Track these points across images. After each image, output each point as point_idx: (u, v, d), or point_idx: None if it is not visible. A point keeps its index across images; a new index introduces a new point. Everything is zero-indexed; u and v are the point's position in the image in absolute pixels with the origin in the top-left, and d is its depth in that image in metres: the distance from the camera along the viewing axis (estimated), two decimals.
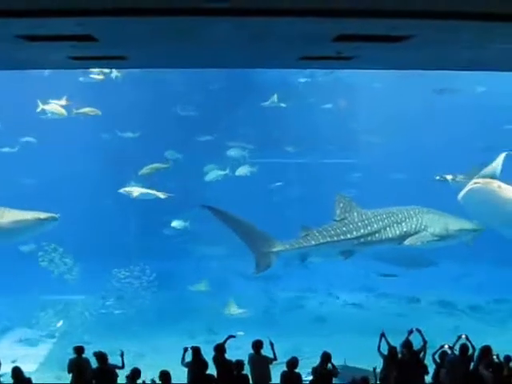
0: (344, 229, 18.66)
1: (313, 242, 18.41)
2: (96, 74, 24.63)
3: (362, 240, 18.75)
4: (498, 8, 8.06)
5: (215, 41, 10.19)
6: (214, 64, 16.22)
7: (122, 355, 11.06)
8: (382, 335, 11.64)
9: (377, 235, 18.66)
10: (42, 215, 18.37)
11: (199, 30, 9.43)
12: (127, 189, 21.96)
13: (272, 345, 11.21)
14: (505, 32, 9.22)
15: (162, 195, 21.37)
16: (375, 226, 18.74)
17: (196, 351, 11.10)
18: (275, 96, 25.40)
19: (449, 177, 17.32)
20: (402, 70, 16.91)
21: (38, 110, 23.74)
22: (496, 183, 14.80)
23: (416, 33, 9.35)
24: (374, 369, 10.96)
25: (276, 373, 10.97)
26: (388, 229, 18.90)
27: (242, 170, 25.52)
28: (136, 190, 21.81)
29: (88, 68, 21.76)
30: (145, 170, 24.06)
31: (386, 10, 8.10)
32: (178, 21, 8.69)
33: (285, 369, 10.65)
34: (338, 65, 13.59)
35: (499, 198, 14.78)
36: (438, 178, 17.50)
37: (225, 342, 11.27)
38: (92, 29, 9.16)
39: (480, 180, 14.69)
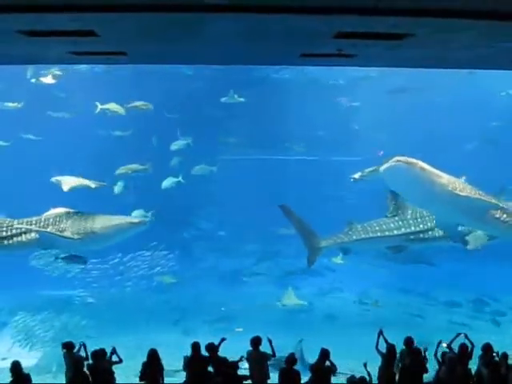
0: (392, 225, 19.04)
1: (354, 237, 19.13)
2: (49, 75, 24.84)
3: (412, 237, 19.12)
4: (500, 7, 8.08)
5: (215, 37, 10.19)
6: (214, 61, 16.26)
7: (114, 351, 11.06)
8: (380, 333, 11.66)
9: (430, 233, 19.01)
10: (135, 219, 18.50)
11: (199, 26, 9.43)
12: (58, 178, 21.51)
13: (270, 341, 11.22)
14: (506, 31, 9.23)
15: (93, 185, 20.81)
16: (429, 224, 19.02)
17: (195, 347, 11.11)
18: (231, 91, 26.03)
19: (356, 175, 17.72)
20: (402, 67, 16.96)
21: (97, 110, 23.98)
22: (418, 163, 14.96)
23: (417, 31, 9.36)
24: (365, 364, 10.90)
25: None
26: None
27: (199, 170, 25.98)
28: (67, 180, 21.17)
29: (89, 63, 21.80)
30: (121, 170, 24.06)
31: (387, 7, 8.11)
32: (178, 17, 8.71)
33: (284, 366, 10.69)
34: (339, 62, 13.57)
35: (418, 177, 14.95)
36: (352, 180, 17.79)
37: (219, 345, 11.24)
38: (92, 24, 9.16)
39: (402, 158, 14.85)
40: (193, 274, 26.28)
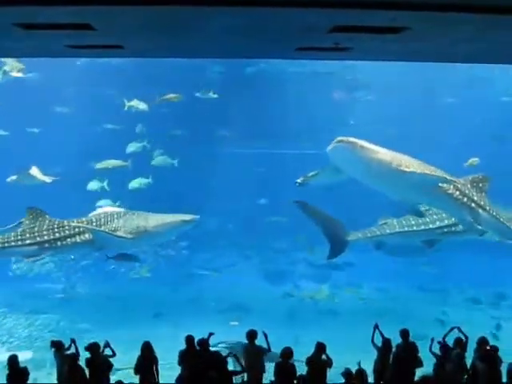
0: (420, 221, 18.92)
1: (387, 231, 18.92)
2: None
3: (446, 230, 19.00)
4: (499, 0, 8.07)
5: (212, 31, 10.16)
6: (210, 54, 16.23)
7: (108, 345, 11.06)
8: (376, 327, 11.71)
9: (460, 226, 18.71)
10: (186, 217, 18.42)
11: (196, 19, 9.41)
12: (13, 177, 21.59)
13: (266, 336, 11.24)
14: (505, 25, 9.21)
15: (48, 179, 20.79)
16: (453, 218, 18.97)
17: (190, 341, 11.11)
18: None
19: (299, 180, 17.58)
20: (400, 61, 16.94)
21: (126, 108, 24.22)
22: (359, 142, 14.97)
23: (414, 25, 9.34)
24: (359, 363, 10.82)
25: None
26: None
27: (160, 161, 25.79)
28: (21, 176, 21.30)
29: (85, 57, 21.74)
30: (101, 165, 23.99)
31: (384, 1, 8.09)
32: (175, 10, 8.68)
33: (279, 359, 10.70)
34: (335, 56, 13.55)
35: (360, 156, 14.94)
36: (297, 184, 17.87)
37: (208, 339, 11.27)
38: (89, 18, 9.13)
39: (343, 138, 14.88)
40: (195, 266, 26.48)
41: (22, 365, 10.28)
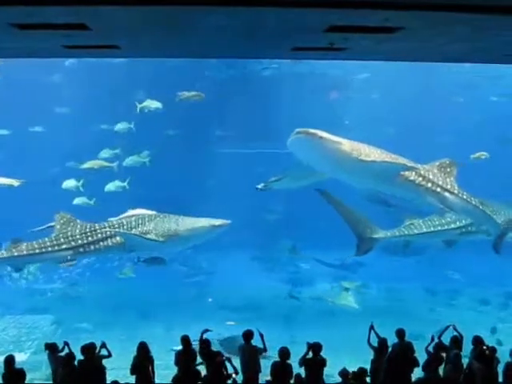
0: (443, 221, 19.20)
1: (415, 231, 19.17)
2: None
3: (464, 230, 19.41)
4: (493, 0, 8.08)
5: (207, 31, 10.17)
6: (206, 54, 16.24)
7: (104, 345, 11.08)
8: (371, 328, 11.72)
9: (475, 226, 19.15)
10: (218, 222, 18.52)
11: (192, 19, 9.41)
12: None
13: (262, 336, 11.24)
14: (499, 24, 9.23)
15: (15, 183, 20.47)
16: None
17: (186, 341, 11.11)
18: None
19: (260, 186, 18.01)
20: (395, 61, 16.94)
21: (138, 109, 23.82)
22: (318, 133, 14.95)
23: (409, 24, 9.35)
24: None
25: None
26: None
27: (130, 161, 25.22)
28: None
29: (82, 57, 21.72)
30: (86, 165, 23.86)
31: (379, 1, 8.10)
32: (171, 10, 8.68)
33: (277, 359, 10.70)
34: (331, 56, 13.56)
35: (319, 146, 14.89)
36: (258, 190, 18.13)
37: (201, 336, 11.28)
38: (84, 17, 9.12)
39: (302, 130, 14.87)
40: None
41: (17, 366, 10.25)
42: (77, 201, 22.78)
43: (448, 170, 17.12)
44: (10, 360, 10.17)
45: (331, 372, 11.09)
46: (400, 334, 11.55)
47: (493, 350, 10.92)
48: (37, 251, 17.38)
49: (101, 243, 17.69)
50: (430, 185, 16.51)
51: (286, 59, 23.87)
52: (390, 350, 11.30)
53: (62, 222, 17.85)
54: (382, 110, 29.27)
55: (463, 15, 8.53)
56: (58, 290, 24.40)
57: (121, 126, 25.01)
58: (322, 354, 10.81)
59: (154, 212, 18.41)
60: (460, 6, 8.24)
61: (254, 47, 12.66)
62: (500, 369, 10.74)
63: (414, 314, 21.45)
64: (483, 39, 10.52)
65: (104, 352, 11.02)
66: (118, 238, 17.73)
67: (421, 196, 16.62)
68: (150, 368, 10.88)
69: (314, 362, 10.73)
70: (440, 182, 16.70)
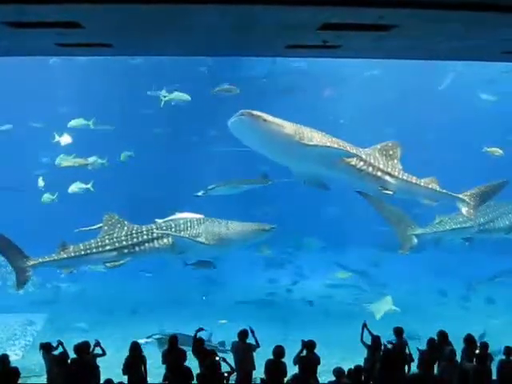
0: (466, 217, 19.12)
1: (447, 227, 19.54)
2: None
3: (481, 228, 19.91)
4: None
5: (201, 28, 10.17)
6: (200, 52, 16.22)
7: (98, 344, 11.07)
8: (364, 326, 11.72)
9: (491, 224, 19.83)
10: (265, 226, 18.55)
11: (185, 17, 9.40)
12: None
13: (253, 332, 11.24)
14: (493, 22, 9.24)
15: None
16: (490, 215, 19.94)
17: (173, 341, 11.08)
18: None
19: (200, 193, 18.33)
20: (389, 59, 16.93)
21: (163, 103, 23.30)
22: (262, 115, 14.67)
23: (403, 22, 9.35)
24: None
25: None
26: (499, 219, 20.27)
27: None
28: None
29: (75, 55, 21.65)
30: (66, 163, 23.52)
31: None
32: (164, 8, 8.67)
33: (271, 357, 10.69)
34: (324, 53, 13.54)
35: (261, 129, 14.61)
36: (200, 194, 18.36)
37: (195, 334, 11.30)
38: (78, 16, 9.11)
39: (245, 111, 14.72)
40: None
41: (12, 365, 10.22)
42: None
43: (391, 152, 16.95)
44: (4, 359, 10.13)
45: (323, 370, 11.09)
46: (398, 331, 11.56)
47: (485, 347, 10.94)
48: (82, 253, 17.37)
49: (146, 244, 17.71)
50: (370, 169, 16.35)
51: (280, 57, 23.73)
52: (390, 347, 11.31)
53: (109, 222, 17.91)
54: (382, 110, 29.18)
55: (458, 13, 8.55)
56: (53, 289, 24.32)
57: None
58: (316, 351, 10.83)
59: (201, 215, 18.40)
60: (454, 4, 8.25)
61: (248, 45, 12.65)
62: (494, 366, 10.77)
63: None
64: (479, 37, 10.54)
65: (98, 350, 11.00)
66: (165, 240, 17.78)
67: (362, 180, 16.45)
68: (143, 368, 10.86)
69: (309, 360, 10.74)
70: (381, 166, 16.54)
